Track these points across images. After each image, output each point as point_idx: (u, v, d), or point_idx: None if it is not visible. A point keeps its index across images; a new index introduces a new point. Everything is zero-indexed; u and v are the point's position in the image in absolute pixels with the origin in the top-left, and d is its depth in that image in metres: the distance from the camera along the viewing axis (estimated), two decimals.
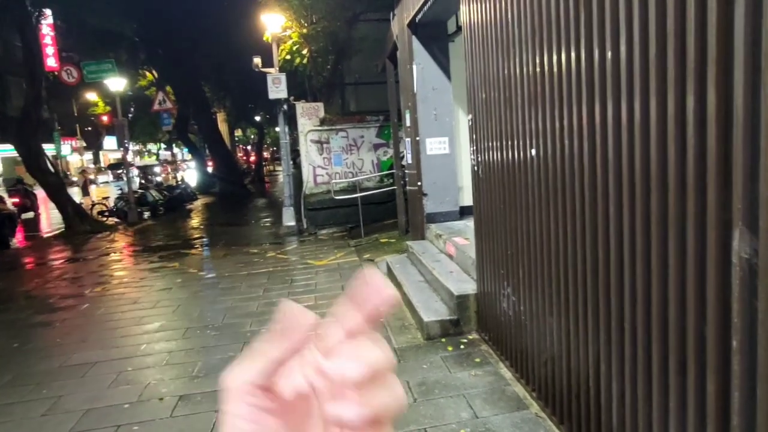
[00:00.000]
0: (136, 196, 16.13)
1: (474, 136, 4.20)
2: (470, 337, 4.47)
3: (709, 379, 1.76)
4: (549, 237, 2.94)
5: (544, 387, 3.19)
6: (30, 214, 19.24)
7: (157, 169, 30.56)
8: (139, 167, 28.40)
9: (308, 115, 11.78)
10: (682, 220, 1.85)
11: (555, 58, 2.70)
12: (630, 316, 2.20)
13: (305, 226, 11.39)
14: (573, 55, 2.51)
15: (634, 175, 2.10)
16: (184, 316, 5.80)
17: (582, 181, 2.51)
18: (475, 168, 4.25)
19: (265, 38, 11.78)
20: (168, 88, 23.81)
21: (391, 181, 11.20)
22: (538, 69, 2.91)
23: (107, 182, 39.28)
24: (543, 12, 2.80)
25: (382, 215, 10.82)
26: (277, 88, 10.84)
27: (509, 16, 3.26)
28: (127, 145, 16.55)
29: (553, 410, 3.07)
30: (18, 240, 13.61)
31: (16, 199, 18.30)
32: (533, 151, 3.06)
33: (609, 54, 2.22)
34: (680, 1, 1.77)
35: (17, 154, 14.71)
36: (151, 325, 5.56)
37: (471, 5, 4.02)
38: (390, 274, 6.45)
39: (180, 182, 23.50)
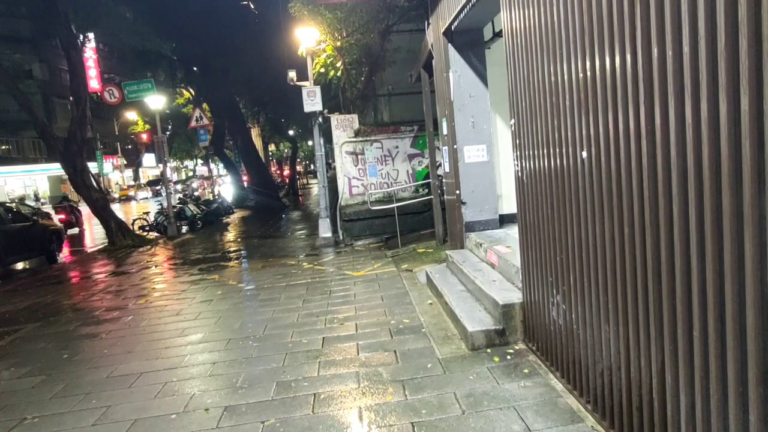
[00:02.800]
0: (174, 210, 16.50)
1: (517, 142, 4.12)
2: (517, 347, 4.35)
3: None
4: (604, 241, 2.82)
5: (601, 399, 3.05)
6: (75, 230, 19.93)
7: (194, 185, 31.34)
8: (180, 181, 29.22)
9: (343, 127, 11.87)
10: (761, 218, 1.74)
11: (608, 59, 2.61)
12: (700, 323, 2.08)
13: (341, 237, 11.42)
14: (628, 55, 2.42)
15: (702, 175, 2.00)
16: (226, 328, 5.83)
17: (641, 182, 2.41)
18: (519, 174, 4.16)
19: (299, 53, 11.95)
20: (204, 105, 24.44)
21: (426, 190, 11.15)
22: (588, 71, 2.82)
23: (146, 198, 40.57)
24: (593, 12, 2.71)
25: (418, 225, 10.76)
26: (312, 101, 10.95)
27: (555, 18, 3.19)
28: (166, 160, 16.98)
29: (612, 423, 2.93)
30: (64, 255, 14.06)
31: (62, 216, 19.05)
32: (584, 154, 2.96)
33: (670, 51, 2.13)
34: None
35: (63, 173, 15.27)
36: (194, 336, 5.62)
37: (512, 10, 3.96)
38: (430, 284, 6.37)
39: (217, 196, 23.96)
